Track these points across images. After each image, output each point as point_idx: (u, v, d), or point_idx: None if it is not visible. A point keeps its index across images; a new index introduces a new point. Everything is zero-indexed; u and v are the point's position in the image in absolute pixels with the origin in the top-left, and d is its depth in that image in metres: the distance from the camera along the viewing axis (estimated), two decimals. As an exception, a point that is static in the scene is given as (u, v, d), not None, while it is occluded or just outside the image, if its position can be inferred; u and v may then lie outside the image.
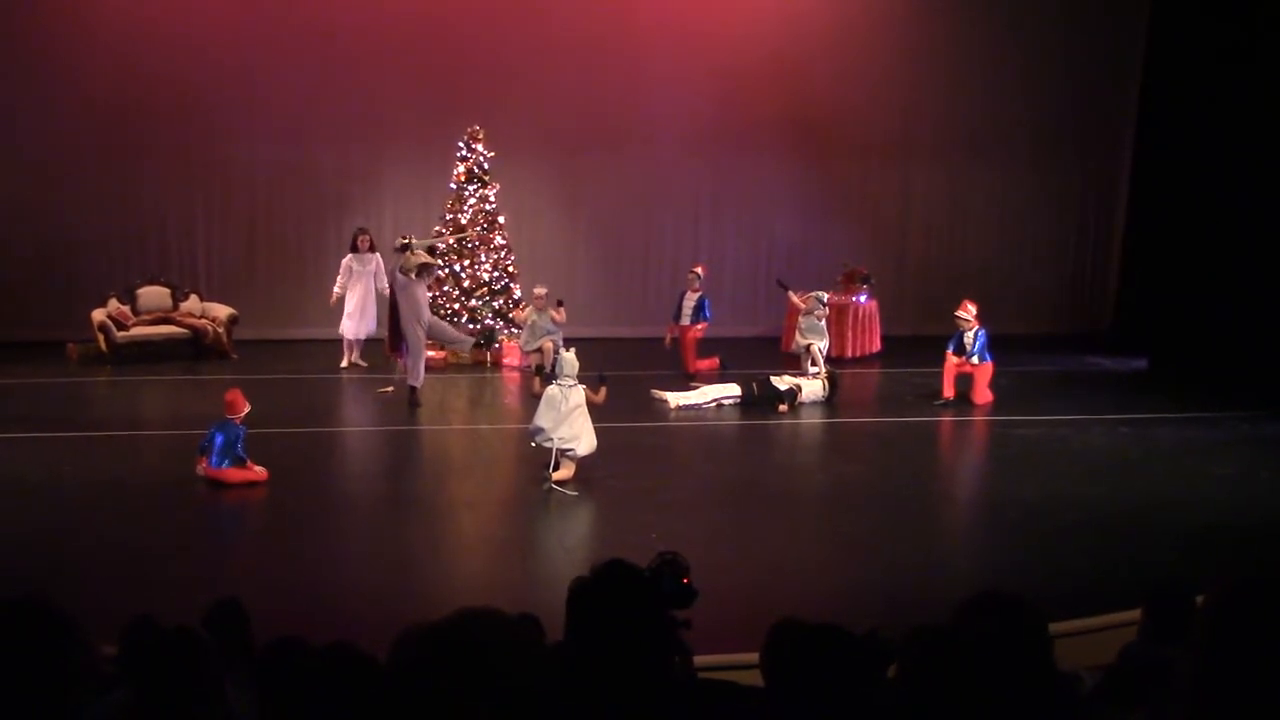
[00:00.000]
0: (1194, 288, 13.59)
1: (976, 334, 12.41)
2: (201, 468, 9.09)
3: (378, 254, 14.03)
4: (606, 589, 2.49)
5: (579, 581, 2.54)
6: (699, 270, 13.82)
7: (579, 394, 9.11)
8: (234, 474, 9.04)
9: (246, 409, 9.25)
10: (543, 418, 9.10)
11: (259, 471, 9.12)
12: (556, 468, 9.05)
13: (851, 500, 9.16)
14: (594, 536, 8.46)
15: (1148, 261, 14.95)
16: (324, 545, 7.95)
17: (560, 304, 13.05)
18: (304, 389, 12.67)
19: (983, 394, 12.37)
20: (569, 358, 9.24)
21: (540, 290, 13.14)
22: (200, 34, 14.89)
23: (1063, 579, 7.08)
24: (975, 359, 12.35)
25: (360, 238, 14.02)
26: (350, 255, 13.94)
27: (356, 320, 13.87)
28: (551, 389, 9.21)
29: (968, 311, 12.56)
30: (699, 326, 13.57)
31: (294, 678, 3.01)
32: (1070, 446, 10.79)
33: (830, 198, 16.49)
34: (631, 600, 2.47)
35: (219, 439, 9.03)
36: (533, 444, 9.25)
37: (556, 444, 9.01)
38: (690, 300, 13.63)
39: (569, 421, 9.03)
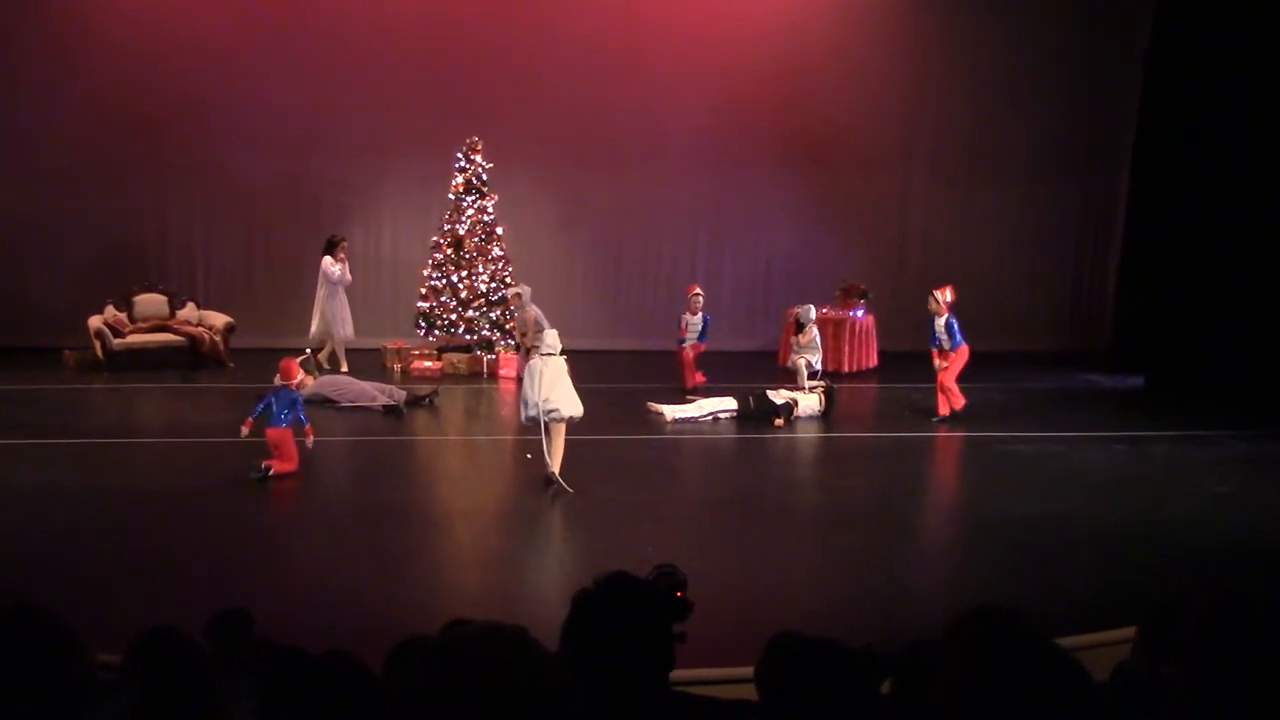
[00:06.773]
0: (1191, 306, 13.62)
1: (948, 321, 12.22)
2: (246, 429, 9.28)
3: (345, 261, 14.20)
4: (610, 601, 2.48)
5: (583, 593, 2.53)
6: (698, 292, 13.79)
7: (558, 362, 9.25)
8: (288, 439, 9.25)
9: (300, 375, 9.56)
10: (527, 391, 9.26)
11: (308, 439, 9.36)
12: (548, 435, 9.08)
13: (847, 515, 9.14)
14: (588, 548, 8.43)
15: (1145, 279, 14.97)
16: (319, 554, 7.94)
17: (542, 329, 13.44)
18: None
19: (953, 377, 12.15)
20: (551, 333, 9.48)
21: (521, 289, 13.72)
22: (201, 44, 14.95)
23: (1058, 595, 7.05)
24: (949, 347, 12.17)
25: (342, 244, 14.08)
26: (330, 260, 13.96)
27: (344, 325, 13.96)
28: (532, 361, 9.41)
29: (944, 296, 12.26)
30: (698, 345, 13.55)
31: (291, 687, 3.00)
32: (1066, 463, 10.79)
33: (829, 213, 16.51)
34: (635, 613, 2.47)
35: (275, 403, 9.29)
36: (523, 420, 9.37)
37: (542, 410, 9.09)
38: (691, 321, 13.60)
39: (547, 386, 9.13)
